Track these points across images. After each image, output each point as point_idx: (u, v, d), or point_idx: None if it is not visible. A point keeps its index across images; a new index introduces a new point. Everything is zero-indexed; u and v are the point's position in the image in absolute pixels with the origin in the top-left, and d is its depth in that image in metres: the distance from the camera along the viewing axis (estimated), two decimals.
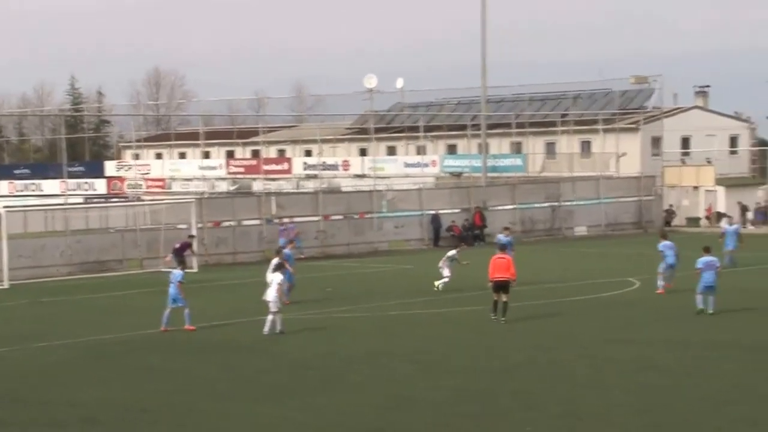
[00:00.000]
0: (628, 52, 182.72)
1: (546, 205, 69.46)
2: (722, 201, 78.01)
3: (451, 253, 40.17)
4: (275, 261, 34.17)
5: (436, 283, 39.41)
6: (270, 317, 30.14)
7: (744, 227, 71.37)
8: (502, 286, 31.31)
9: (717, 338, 28.30)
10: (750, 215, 75.07)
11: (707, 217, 76.70)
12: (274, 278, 31.01)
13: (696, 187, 79.04)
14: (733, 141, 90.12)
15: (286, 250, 37.68)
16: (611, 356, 26.13)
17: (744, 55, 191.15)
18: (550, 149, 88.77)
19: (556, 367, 24.80)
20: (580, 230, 69.89)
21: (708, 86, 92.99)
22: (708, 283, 32.22)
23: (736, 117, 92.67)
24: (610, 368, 24.59)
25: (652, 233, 64.34)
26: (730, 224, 50.30)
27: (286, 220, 58.00)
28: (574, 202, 70.79)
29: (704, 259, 32.67)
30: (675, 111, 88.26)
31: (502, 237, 41.57)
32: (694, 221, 76.59)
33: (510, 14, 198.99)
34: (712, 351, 26.49)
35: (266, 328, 30.09)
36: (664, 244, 38.49)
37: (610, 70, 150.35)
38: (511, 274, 31.45)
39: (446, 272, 39.71)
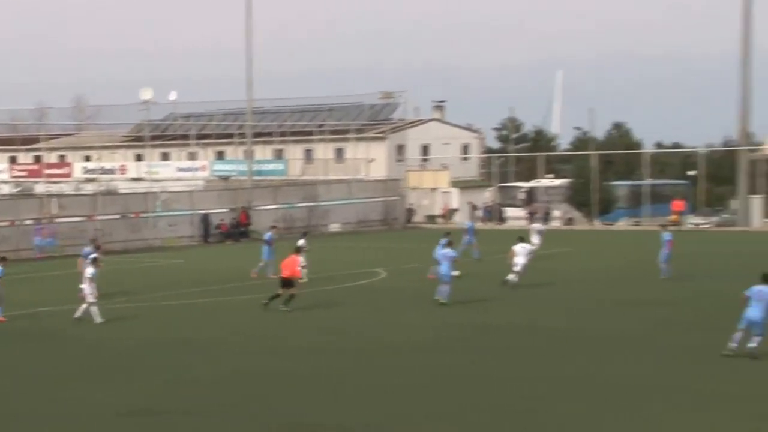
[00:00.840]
0: (378, 66, 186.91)
1: (304, 204, 70.60)
2: (456, 201, 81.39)
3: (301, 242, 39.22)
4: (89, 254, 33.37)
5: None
6: (83, 306, 29.77)
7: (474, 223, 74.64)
8: (287, 282, 31.74)
9: (464, 321, 29.55)
10: (479, 213, 78.38)
11: (443, 215, 79.74)
12: (86, 272, 30.42)
13: (434, 189, 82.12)
14: (466, 149, 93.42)
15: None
16: (379, 337, 27.07)
17: (475, 73, 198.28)
18: (309, 155, 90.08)
19: (326, 349, 25.49)
20: (335, 227, 71.22)
21: (444, 101, 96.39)
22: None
23: (468, 128, 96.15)
24: (375, 349, 25.49)
25: (397, 229, 66.33)
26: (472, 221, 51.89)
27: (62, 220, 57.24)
28: (330, 202, 72.23)
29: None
30: (416, 122, 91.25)
31: (269, 234, 41.86)
32: (432, 218, 79.50)
33: (276, 28, 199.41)
34: (465, 331, 27.79)
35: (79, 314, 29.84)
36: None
37: (363, 82, 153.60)
38: (294, 272, 31.94)
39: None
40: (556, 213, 77.32)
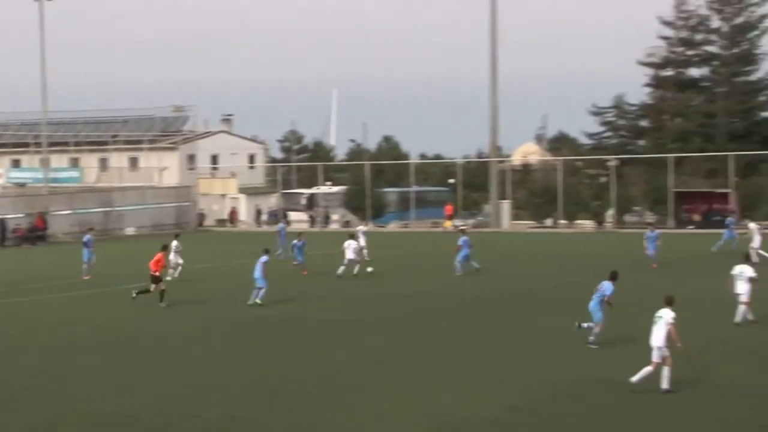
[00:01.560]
0: (169, 80, 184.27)
1: (100, 210, 69.21)
2: (244, 206, 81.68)
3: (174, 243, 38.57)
4: None
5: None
6: None
7: (259, 227, 75.08)
8: (155, 278, 31.56)
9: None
10: (264, 217, 78.92)
11: (231, 219, 79.79)
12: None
13: (223, 195, 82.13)
14: (252, 158, 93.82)
15: None
16: (180, 317, 27.13)
17: (261, 88, 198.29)
18: (104, 164, 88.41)
19: (101, 346, 25.46)
20: (130, 230, 70.09)
21: (232, 114, 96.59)
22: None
23: (254, 140, 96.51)
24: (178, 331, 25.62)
25: (189, 232, 65.88)
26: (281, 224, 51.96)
27: None
28: (124, 208, 71.06)
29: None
30: (206, 134, 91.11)
31: (88, 237, 40.71)
32: (221, 222, 79.43)
33: (70, 39, 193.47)
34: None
35: None
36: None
37: (155, 96, 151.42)
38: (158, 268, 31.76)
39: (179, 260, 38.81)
40: (334, 216, 78.77)
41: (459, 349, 22.18)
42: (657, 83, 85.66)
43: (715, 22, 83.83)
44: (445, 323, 26.23)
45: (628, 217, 78.78)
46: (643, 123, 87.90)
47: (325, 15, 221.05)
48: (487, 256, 43.09)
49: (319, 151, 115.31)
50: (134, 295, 31.58)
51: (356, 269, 38.39)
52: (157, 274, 31.63)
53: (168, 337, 25.55)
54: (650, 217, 77.17)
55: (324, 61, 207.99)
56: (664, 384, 16.85)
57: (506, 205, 76.41)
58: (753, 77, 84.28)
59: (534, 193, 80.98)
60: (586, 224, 75.93)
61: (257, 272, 30.74)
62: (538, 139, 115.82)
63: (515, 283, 35.41)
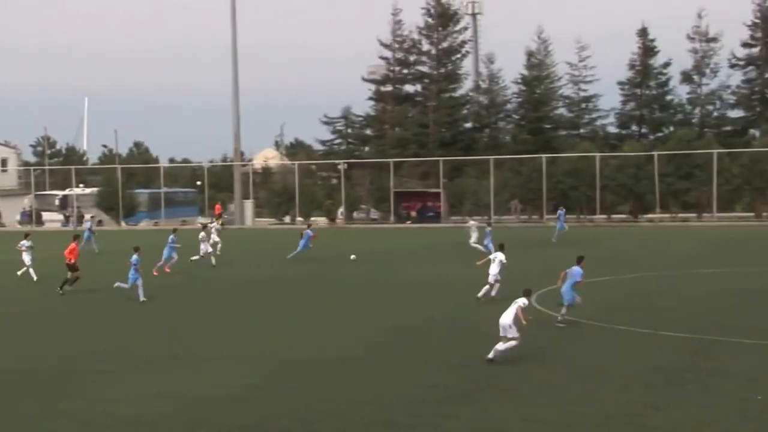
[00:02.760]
0: None
1: None
2: None
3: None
4: None
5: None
6: None
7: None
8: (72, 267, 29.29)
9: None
10: (18, 217, 74.27)
11: None
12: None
13: None
14: (4, 162, 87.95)
15: None
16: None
17: (12, 95, 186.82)
18: None
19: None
20: None
21: None
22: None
23: (6, 144, 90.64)
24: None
25: None
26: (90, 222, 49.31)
27: None
28: None
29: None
30: None
31: None
32: None
33: None
34: None
35: None
36: None
37: None
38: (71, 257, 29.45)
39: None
40: (87, 216, 74.98)
41: (206, 335, 21.37)
42: (379, 97, 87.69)
43: (426, 46, 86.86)
44: (197, 313, 25.27)
45: (356, 214, 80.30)
46: (368, 131, 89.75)
47: (76, 22, 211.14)
48: (233, 251, 42.22)
49: (72, 155, 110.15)
50: (60, 291, 28.88)
51: (214, 261, 36.86)
52: (73, 262, 29.37)
53: None
54: (374, 213, 78.91)
55: (76, 69, 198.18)
56: (491, 354, 16.53)
57: (249, 205, 75.85)
58: (457, 93, 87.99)
59: (274, 193, 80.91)
60: (320, 221, 76.55)
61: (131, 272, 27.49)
62: (277, 144, 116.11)
63: (262, 274, 34.83)
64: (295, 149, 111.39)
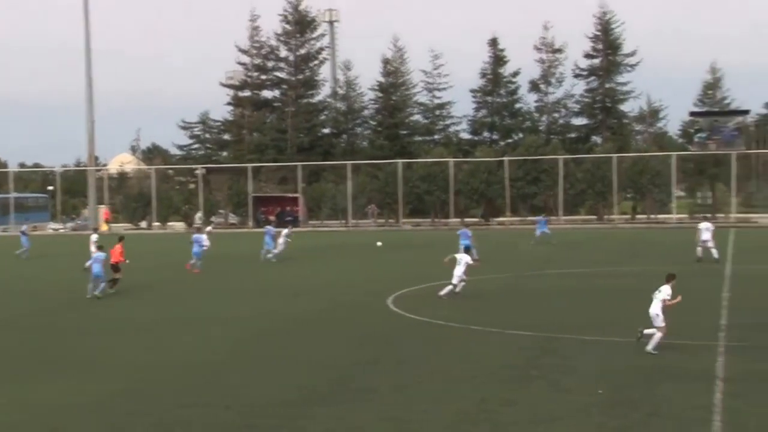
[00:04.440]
0: None
1: None
2: None
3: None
4: None
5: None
6: None
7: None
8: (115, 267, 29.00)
9: None
10: None
11: None
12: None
13: None
14: None
15: None
16: None
17: None
18: None
19: None
20: None
21: None
22: None
23: None
24: None
25: None
26: None
27: None
28: None
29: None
30: None
31: None
32: None
33: None
34: None
35: None
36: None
37: None
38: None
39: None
40: None
41: (73, 340, 20.68)
42: (237, 102, 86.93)
43: (283, 52, 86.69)
44: (61, 319, 24.39)
45: (214, 219, 79.24)
46: (226, 136, 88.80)
47: None
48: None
49: None
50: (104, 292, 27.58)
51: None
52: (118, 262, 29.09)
53: None
54: (232, 218, 78.08)
55: None
56: (649, 347, 16.79)
57: (102, 209, 73.89)
58: (315, 99, 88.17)
59: (130, 198, 78.91)
60: (178, 225, 75.19)
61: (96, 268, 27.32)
62: (133, 149, 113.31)
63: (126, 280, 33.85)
64: (152, 154, 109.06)
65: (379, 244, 39.80)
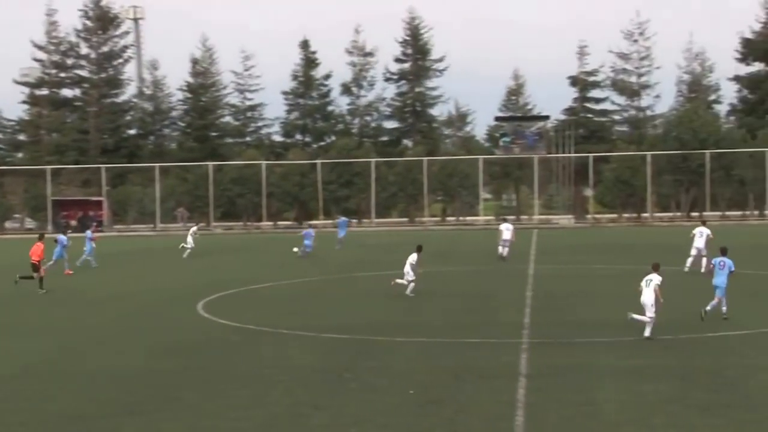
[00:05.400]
0: None
1: None
2: None
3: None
4: None
5: None
6: None
7: None
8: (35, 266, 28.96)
9: None
10: None
11: None
12: None
13: None
14: None
15: None
16: None
17: None
18: None
19: None
20: None
21: None
22: None
23: None
24: None
25: None
26: None
27: None
28: None
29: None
30: None
31: None
32: None
33: None
34: None
35: None
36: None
37: None
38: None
39: None
40: None
41: None
42: (33, 101, 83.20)
43: (84, 49, 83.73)
44: None
45: (9, 224, 75.50)
46: (21, 137, 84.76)
47: None
48: None
49: None
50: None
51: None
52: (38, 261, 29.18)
53: None
54: (29, 222, 74.58)
55: None
56: (646, 332, 18.18)
57: None
58: (120, 99, 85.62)
59: None
60: None
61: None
62: None
63: None
64: None
65: (295, 250, 39.89)
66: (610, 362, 16.16)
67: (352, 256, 41.63)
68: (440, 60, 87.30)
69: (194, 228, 45.11)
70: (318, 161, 75.75)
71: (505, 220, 40.68)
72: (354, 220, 50.61)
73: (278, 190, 75.06)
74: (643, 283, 18.59)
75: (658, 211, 75.85)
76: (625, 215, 76.16)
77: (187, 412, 13.50)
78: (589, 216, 76.54)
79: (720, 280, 20.37)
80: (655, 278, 18.51)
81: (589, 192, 78.11)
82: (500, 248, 37.31)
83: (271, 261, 39.64)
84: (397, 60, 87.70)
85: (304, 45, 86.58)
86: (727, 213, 74.74)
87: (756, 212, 74.57)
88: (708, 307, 20.19)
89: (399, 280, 26.37)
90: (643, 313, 18.37)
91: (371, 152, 77.36)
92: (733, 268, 20.55)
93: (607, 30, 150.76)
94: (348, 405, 13.64)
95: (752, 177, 71.38)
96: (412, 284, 25.99)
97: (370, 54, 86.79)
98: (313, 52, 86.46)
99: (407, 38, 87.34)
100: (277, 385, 15.08)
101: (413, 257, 26.35)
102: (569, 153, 77.81)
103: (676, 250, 35.16)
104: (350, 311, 23.83)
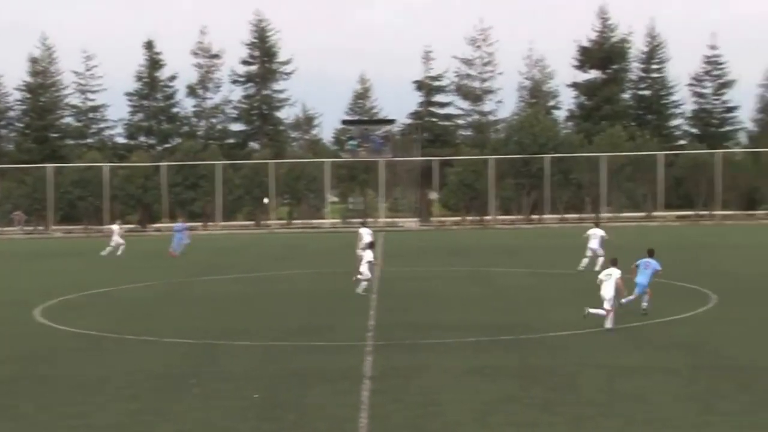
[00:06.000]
0: None
1: None
2: None
3: None
4: None
5: None
6: None
7: None
8: None
9: None
10: None
11: None
12: None
13: None
14: None
15: None
16: None
17: None
18: None
19: None
20: None
21: None
22: None
23: None
24: None
25: None
26: None
27: None
28: None
29: None
30: None
31: None
32: None
33: None
34: None
35: None
36: None
37: None
38: None
39: None
40: None
41: None
42: None
43: None
44: None
45: None
46: None
47: None
48: None
49: None
50: None
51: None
52: None
53: None
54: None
55: None
56: (608, 324, 19.10)
57: None
58: None
59: None
60: None
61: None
62: None
63: None
64: None
65: (266, 201, 39.00)
66: (454, 363, 16.51)
67: (197, 259, 40.97)
68: (287, 63, 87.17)
69: (116, 226, 44.22)
70: (163, 164, 74.17)
71: (364, 224, 40.69)
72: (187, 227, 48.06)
73: (121, 193, 73.05)
74: (602, 277, 19.43)
75: (501, 214, 78.23)
76: (469, 218, 78.11)
77: (21, 423, 12.96)
78: (434, 219, 78.07)
79: (641, 278, 21.24)
80: (615, 272, 19.44)
81: (434, 195, 79.64)
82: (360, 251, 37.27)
83: (114, 266, 38.52)
84: (244, 62, 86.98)
85: (149, 46, 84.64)
86: (566, 215, 77.83)
87: (593, 215, 78.11)
88: (623, 300, 20.72)
89: (361, 277, 26.13)
90: (599, 307, 19.19)
91: (218, 155, 76.36)
92: (659, 268, 21.46)
93: (451, 35, 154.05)
94: (192, 411, 13.43)
95: (588, 180, 74.61)
96: (364, 284, 26.01)
97: (216, 56, 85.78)
98: (158, 53, 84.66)
99: (254, 40, 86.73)
100: (119, 391, 14.67)
101: (369, 254, 26.40)
102: (415, 157, 79.14)
103: (513, 252, 36.18)
104: (194, 316, 23.44)
